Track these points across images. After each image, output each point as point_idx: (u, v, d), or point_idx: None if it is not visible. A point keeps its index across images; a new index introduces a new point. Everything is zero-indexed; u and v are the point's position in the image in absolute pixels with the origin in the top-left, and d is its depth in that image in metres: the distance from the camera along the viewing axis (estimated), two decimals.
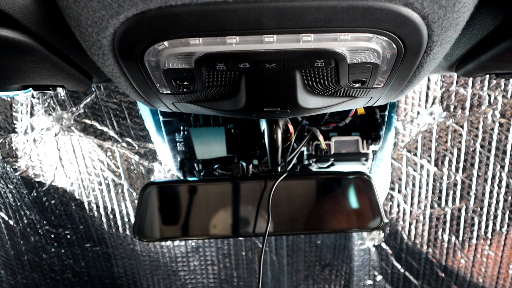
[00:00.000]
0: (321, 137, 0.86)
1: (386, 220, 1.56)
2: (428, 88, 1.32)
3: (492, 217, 1.49)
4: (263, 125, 0.79)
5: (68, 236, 1.59)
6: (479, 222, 1.51)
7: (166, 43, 0.34)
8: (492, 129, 1.35)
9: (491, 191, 1.45)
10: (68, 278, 1.70)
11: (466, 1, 0.30)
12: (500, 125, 1.33)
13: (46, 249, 1.62)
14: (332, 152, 0.90)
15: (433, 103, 1.34)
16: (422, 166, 1.44)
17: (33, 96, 1.31)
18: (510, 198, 1.44)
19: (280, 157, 0.77)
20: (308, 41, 0.34)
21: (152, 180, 1.47)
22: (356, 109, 0.87)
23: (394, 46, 0.35)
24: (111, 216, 1.55)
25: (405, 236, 1.59)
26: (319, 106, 0.47)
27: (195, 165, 1.00)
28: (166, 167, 1.47)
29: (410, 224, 1.56)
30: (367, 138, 0.92)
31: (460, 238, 1.54)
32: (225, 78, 0.41)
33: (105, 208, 1.53)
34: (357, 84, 0.43)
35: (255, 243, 1.67)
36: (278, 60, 0.37)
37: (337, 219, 0.71)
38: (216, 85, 0.42)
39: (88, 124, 1.38)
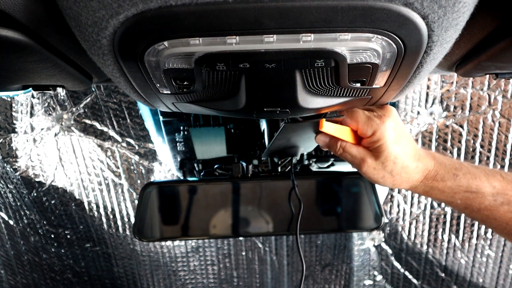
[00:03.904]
0: None
1: (386, 220, 1.56)
2: (428, 88, 1.32)
3: None
4: (263, 125, 0.79)
5: (68, 236, 1.59)
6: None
7: (166, 43, 0.34)
8: (492, 129, 1.35)
9: None
10: (68, 278, 1.70)
11: (466, 1, 0.30)
12: (500, 125, 1.33)
13: (46, 249, 1.62)
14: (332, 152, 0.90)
15: (433, 103, 1.34)
16: None
17: (33, 96, 1.31)
18: None
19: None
20: (308, 41, 0.34)
21: (152, 180, 1.47)
22: None
23: (394, 46, 0.35)
24: (111, 216, 1.55)
25: (405, 236, 1.59)
26: (319, 106, 0.47)
27: (195, 165, 1.00)
28: (166, 167, 1.47)
29: (410, 224, 1.56)
30: None
31: (460, 238, 1.54)
32: (225, 78, 0.41)
33: (105, 208, 1.53)
34: (357, 84, 0.43)
35: (255, 243, 1.67)
36: (278, 60, 0.37)
37: (337, 219, 0.71)
38: (216, 85, 0.42)
39: (88, 124, 1.38)
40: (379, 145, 0.55)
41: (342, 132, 0.56)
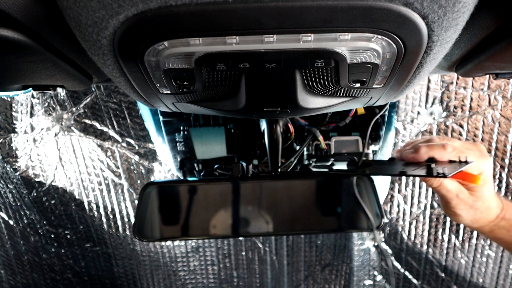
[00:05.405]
0: (321, 137, 0.86)
1: (386, 220, 1.56)
2: (428, 88, 1.32)
3: None
4: (263, 125, 0.79)
5: (68, 236, 1.59)
6: None
7: (166, 43, 0.34)
8: (492, 129, 1.34)
9: None
10: (68, 278, 1.70)
11: (466, 1, 0.30)
12: (500, 125, 1.33)
13: (46, 249, 1.62)
14: (332, 152, 0.90)
15: (433, 103, 1.34)
16: None
17: (33, 96, 1.31)
18: (510, 198, 1.44)
19: (280, 157, 0.77)
20: (308, 41, 0.34)
21: (152, 180, 1.47)
22: (356, 109, 0.87)
23: (394, 46, 0.35)
24: (111, 216, 1.55)
25: (405, 236, 1.59)
26: (319, 106, 0.47)
27: (195, 165, 1.00)
28: (166, 167, 1.47)
29: (410, 224, 1.56)
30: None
31: (460, 238, 1.54)
32: (225, 78, 0.41)
33: (105, 208, 1.53)
34: (357, 84, 0.43)
35: (255, 243, 1.67)
36: (278, 60, 0.37)
37: (337, 219, 0.71)
38: (216, 85, 0.42)
39: (88, 124, 1.38)
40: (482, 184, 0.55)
41: None
